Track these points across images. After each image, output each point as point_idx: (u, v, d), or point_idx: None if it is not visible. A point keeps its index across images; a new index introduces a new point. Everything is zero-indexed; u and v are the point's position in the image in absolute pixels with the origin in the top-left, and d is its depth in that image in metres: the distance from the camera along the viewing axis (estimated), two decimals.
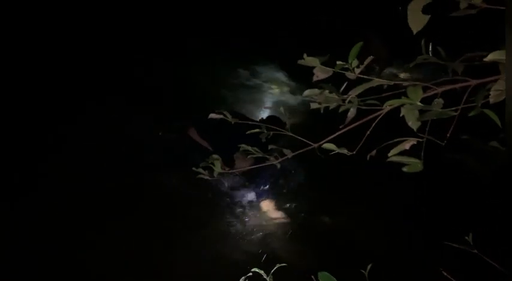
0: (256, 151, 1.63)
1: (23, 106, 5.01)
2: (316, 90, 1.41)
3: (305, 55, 1.31)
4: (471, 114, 1.04)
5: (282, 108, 1.63)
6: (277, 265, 1.37)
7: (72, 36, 5.75)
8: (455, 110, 1.15)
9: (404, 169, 1.26)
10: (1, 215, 4.05)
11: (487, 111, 1.01)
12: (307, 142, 1.52)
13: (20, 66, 5.34)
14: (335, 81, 1.47)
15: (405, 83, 1.12)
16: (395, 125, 1.42)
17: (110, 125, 5.01)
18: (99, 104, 5.19)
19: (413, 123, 1.17)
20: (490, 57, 0.97)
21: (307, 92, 1.42)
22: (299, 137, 1.59)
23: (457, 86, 1.13)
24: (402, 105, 1.16)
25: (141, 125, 5.03)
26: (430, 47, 1.33)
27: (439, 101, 1.11)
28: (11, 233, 3.93)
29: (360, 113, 1.46)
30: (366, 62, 1.21)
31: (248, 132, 1.60)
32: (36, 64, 5.40)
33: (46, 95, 5.17)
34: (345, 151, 1.34)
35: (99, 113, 5.15)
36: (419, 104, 1.04)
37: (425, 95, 1.12)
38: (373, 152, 1.34)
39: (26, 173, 4.48)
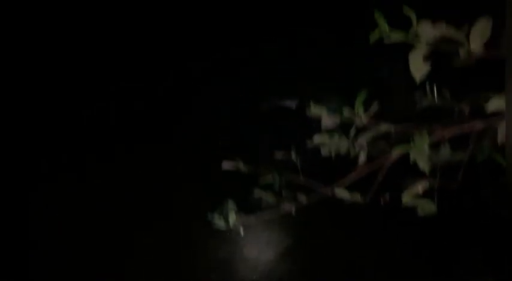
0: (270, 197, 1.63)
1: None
2: (326, 137, 1.43)
3: (312, 104, 1.34)
4: (479, 160, 1.05)
5: (293, 153, 1.64)
6: None
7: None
8: (465, 152, 1.16)
9: (419, 213, 1.26)
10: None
11: (494, 155, 1.02)
12: (321, 187, 1.51)
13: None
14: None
15: (412, 130, 1.14)
16: (407, 165, 1.42)
17: None
18: None
19: (424, 167, 1.17)
20: (491, 107, 0.98)
21: (316, 139, 1.44)
22: (312, 181, 1.60)
23: (464, 130, 1.14)
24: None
25: None
26: (435, 88, 1.35)
27: (446, 146, 1.12)
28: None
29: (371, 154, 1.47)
30: (372, 110, 1.24)
31: (260, 181, 1.60)
32: None
33: None
34: (357, 198, 1.35)
35: None
36: (426, 151, 1.05)
37: (433, 140, 1.13)
38: (387, 197, 1.34)
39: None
